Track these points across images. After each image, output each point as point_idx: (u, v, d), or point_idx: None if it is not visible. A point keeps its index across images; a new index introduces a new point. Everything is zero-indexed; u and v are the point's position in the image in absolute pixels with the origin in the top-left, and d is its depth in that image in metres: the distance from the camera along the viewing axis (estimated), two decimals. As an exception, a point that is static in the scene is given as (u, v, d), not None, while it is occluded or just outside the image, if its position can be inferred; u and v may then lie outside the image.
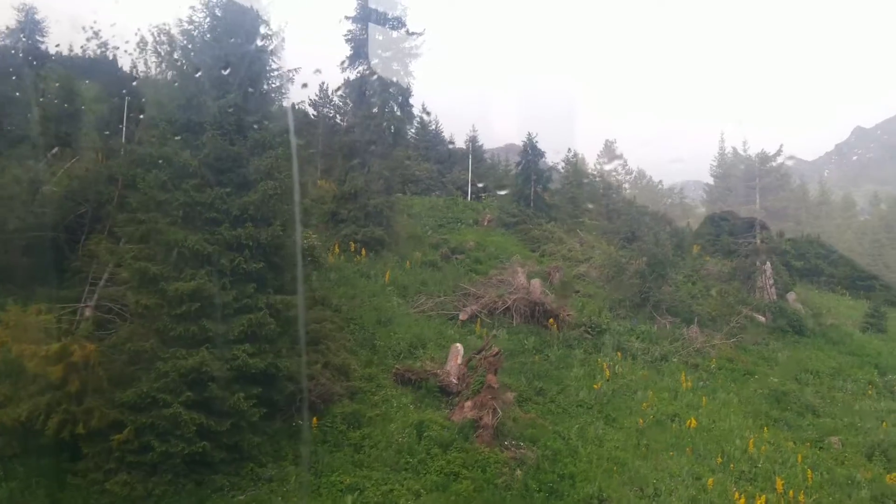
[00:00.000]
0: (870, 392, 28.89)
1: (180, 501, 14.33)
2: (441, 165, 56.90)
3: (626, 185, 71.41)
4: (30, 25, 42.75)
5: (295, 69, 20.29)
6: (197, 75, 17.25)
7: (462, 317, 26.41)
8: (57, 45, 46.09)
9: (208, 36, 17.93)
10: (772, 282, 36.73)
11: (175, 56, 18.97)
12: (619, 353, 26.21)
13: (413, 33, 33.85)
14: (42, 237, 19.94)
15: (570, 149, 61.48)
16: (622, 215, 41.15)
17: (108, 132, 26.82)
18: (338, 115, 43.32)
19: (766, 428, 22.96)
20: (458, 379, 20.37)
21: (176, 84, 18.05)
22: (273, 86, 20.76)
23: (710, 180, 62.50)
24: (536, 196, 45.14)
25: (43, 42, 43.68)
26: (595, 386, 22.74)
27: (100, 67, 41.12)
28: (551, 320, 26.82)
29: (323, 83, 48.81)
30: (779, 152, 42.28)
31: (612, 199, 52.95)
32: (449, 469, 16.62)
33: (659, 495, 17.47)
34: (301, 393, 17.59)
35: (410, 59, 33.91)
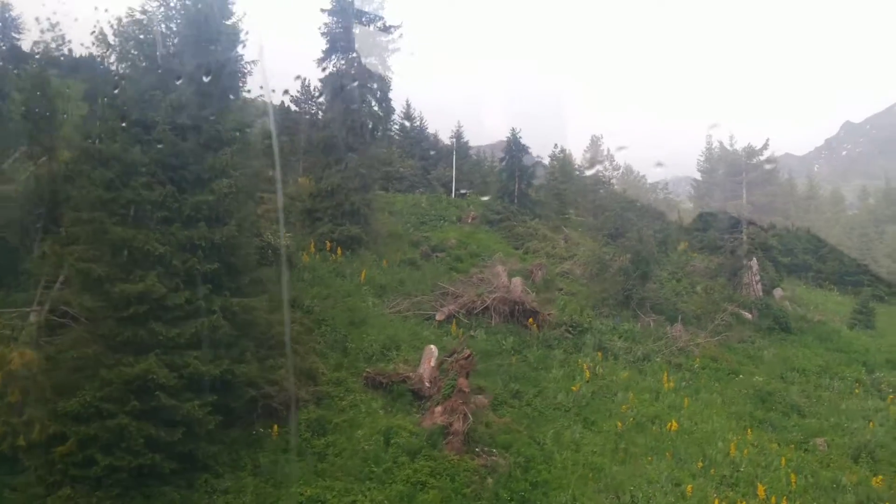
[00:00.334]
0: (857, 390, 28.33)
1: (128, 516, 13.59)
2: (425, 162, 56.09)
3: (614, 181, 70.59)
4: (5, 23, 41.68)
5: (253, 61, 19.53)
6: (149, 66, 16.42)
7: (439, 317, 25.68)
8: (35, 43, 44.98)
9: (164, 26, 17.13)
10: (758, 278, 36.14)
11: (128, 47, 18.09)
12: (599, 354, 25.50)
13: (391, 27, 33.09)
14: (-3, 239, 19.13)
15: (556, 144, 60.92)
16: (607, 211, 40.41)
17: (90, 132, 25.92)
18: (320, 112, 42.39)
19: (749, 429, 22.36)
20: (431, 382, 19.64)
21: (129, 77, 17.19)
22: (236, 79, 20.17)
23: (698, 175, 61.75)
24: (521, 193, 44.40)
25: (19, 39, 42.62)
26: (574, 388, 22.05)
27: (87, 66, 40.12)
28: (531, 320, 26.11)
29: (305, 79, 47.81)
30: (765, 146, 41.62)
31: (599, 195, 52.20)
32: (416, 478, 15.91)
33: (635, 503, 16.82)
34: (262, 399, 16.89)
35: (389, 53, 33.16)
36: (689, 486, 17.64)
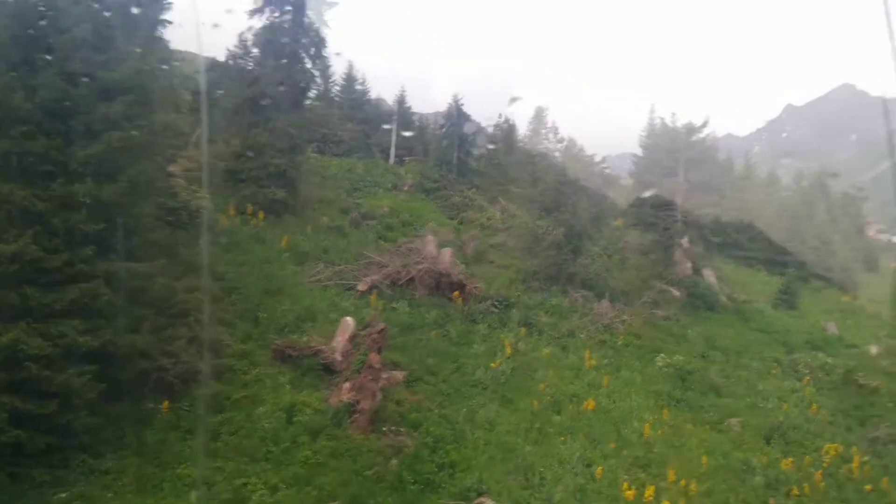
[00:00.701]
0: (774, 370, 28.70)
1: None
2: (366, 127, 54.50)
3: (557, 154, 70.34)
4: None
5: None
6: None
7: (361, 287, 24.83)
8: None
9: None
10: (687, 256, 36.27)
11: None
12: (523, 329, 25.08)
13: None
14: None
15: (500, 114, 60.02)
16: (543, 184, 39.97)
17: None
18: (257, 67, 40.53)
19: (666, 409, 22.30)
20: (344, 357, 18.82)
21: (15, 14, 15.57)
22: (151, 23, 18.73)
23: (640, 152, 61.95)
24: (460, 162, 43.61)
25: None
26: (493, 364, 21.55)
27: None
28: (456, 293, 25.49)
29: (242, 32, 45.61)
30: (704, 124, 41.82)
31: (540, 167, 51.71)
32: (315, 459, 15.18)
33: (544, 485, 16.44)
34: (156, 372, 15.86)
35: (326, 7, 31.61)
36: (600, 467, 17.34)
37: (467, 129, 47.46)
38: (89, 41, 15.31)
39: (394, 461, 15.72)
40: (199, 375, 17.13)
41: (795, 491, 18.66)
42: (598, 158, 68.69)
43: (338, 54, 54.44)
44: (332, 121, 49.74)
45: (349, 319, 20.56)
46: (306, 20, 31.20)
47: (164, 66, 24.43)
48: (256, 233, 27.15)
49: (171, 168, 29.36)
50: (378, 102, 59.35)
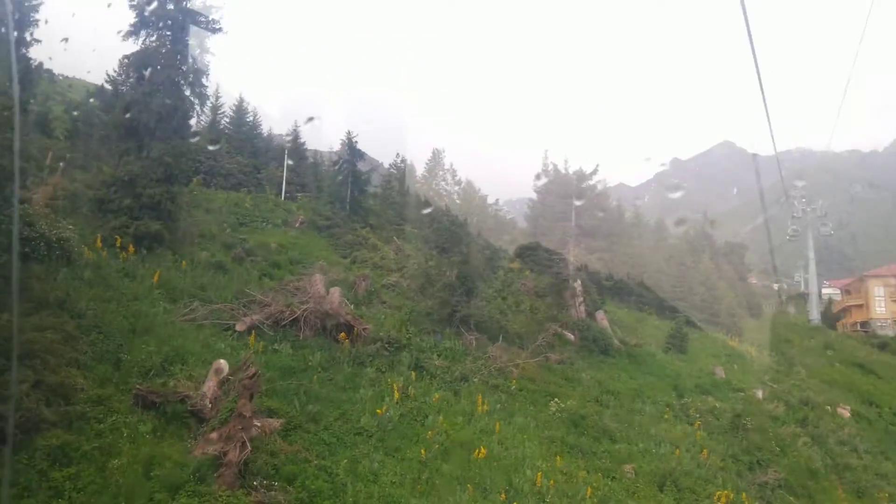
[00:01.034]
0: (667, 415, 28.63)
1: None
2: (256, 160, 52.68)
3: (456, 197, 70.40)
4: None
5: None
6: None
7: (239, 327, 23.00)
8: None
9: None
10: (581, 300, 36.30)
11: None
12: (413, 373, 23.87)
13: (211, 6, 30.05)
14: None
15: (398, 154, 59.58)
16: (436, 224, 39.37)
17: None
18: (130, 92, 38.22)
19: (559, 456, 21.47)
20: (213, 403, 17.01)
21: None
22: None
23: (535, 196, 62.88)
24: (353, 199, 42.47)
25: None
26: (379, 411, 20.15)
27: None
28: (342, 334, 24.06)
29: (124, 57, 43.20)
30: (595, 171, 42.79)
31: (436, 208, 51.32)
32: (172, 520, 13.32)
33: (431, 543, 15.13)
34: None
35: (208, 33, 30.08)
36: (489, 523, 16.20)
37: (362, 166, 46.53)
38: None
39: (263, 521, 14.02)
40: (43, 424, 14.98)
41: (689, 541, 18.09)
42: (498, 202, 69.20)
43: (240, 103, 52.41)
44: (220, 153, 47.73)
45: (222, 362, 18.71)
46: (186, 46, 29.56)
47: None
48: (125, 267, 24.88)
49: (32, 195, 26.85)
50: (270, 137, 57.69)
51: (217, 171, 46.95)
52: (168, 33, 29.21)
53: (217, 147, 46.97)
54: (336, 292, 27.60)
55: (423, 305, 30.70)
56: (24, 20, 19.90)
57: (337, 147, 52.83)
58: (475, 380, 25.46)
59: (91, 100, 46.25)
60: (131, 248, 25.81)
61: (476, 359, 27.12)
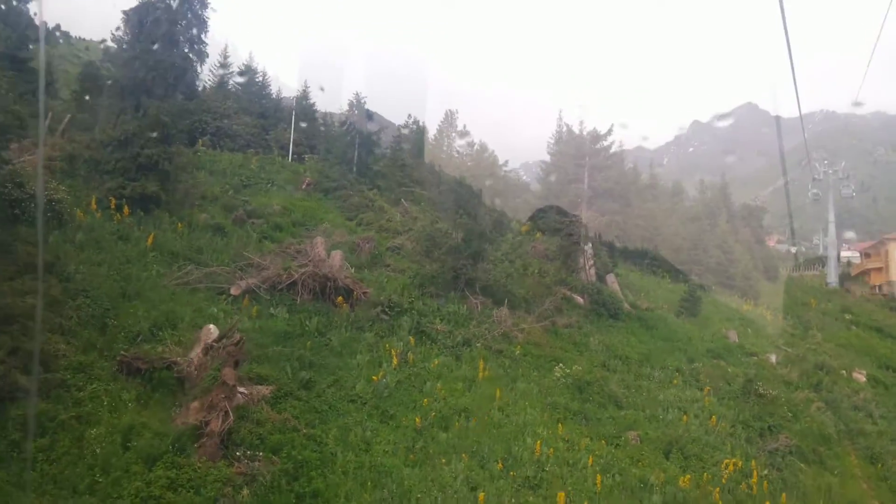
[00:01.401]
0: (676, 380, 27.90)
1: None
2: (265, 121, 51.80)
3: (468, 159, 69.24)
4: None
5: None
6: None
7: (234, 291, 22.44)
8: None
9: None
10: (591, 262, 35.42)
11: None
12: (412, 339, 23.24)
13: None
14: None
15: (410, 115, 58.41)
16: (445, 186, 38.49)
17: None
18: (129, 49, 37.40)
19: (561, 424, 20.82)
20: (199, 370, 16.51)
21: None
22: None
23: (549, 158, 61.57)
24: (361, 161, 41.56)
25: None
26: (374, 378, 19.58)
27: None
28: (340, 298, 23.45)
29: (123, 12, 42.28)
30: (609, 132, 41.30)
31: (447, 170, 50.37)
32: (148, 492, 12.79)
33: (421, 514, 14.62)
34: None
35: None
36: (482, 494, 15.61)
37: (372, 127, 45.56)
38: None
39: (245, 492, 13.52)
40: (19, 392, 14.53)
41: (693, 513, 17.49)
42: (507, 164, 67.90)
43: (249, 61, 51.36)
44: (228, 113, 46.92)
45: (211, 327, 18.24)
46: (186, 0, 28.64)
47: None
48: (120, 230, 24.36)
49: (26, 157, 26.24)
50: (279, 98, 56.71)
51: (224, 133, 46.14)
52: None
53: (224, 103, 46.10)
54: (337, 255, 26.99)
55: (428, 269, 29.96)
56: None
57: (347, 108, 51.92)
58: (478, 345, 24.79)
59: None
60: (126, 210, 25.25)
61: (480, 323, 26.41)
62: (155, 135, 26.49)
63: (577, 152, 44.18)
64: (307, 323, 22.09)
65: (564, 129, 50.59)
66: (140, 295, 20.39)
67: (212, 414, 14.36)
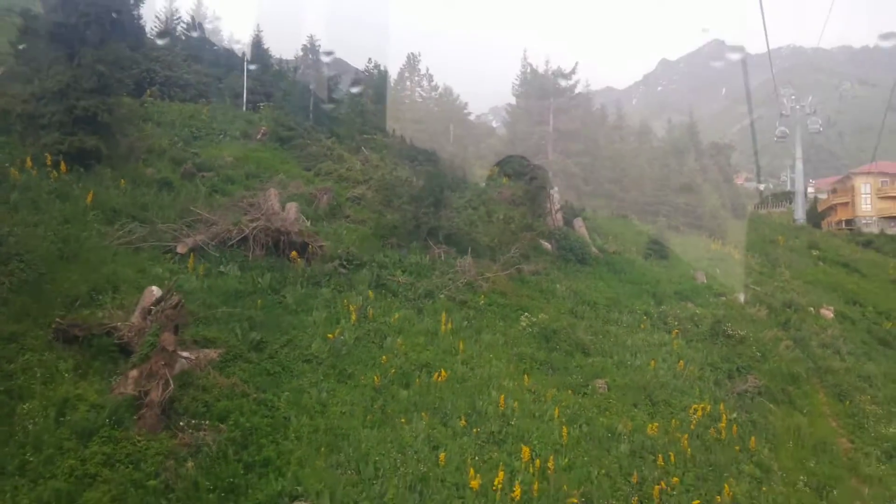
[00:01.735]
0: (644, 325, 27.51)
1: None
2: (219, 70, 49.64)
3: (433, 104, 67.48)
4: None
5: None
6: None
7: (180, 249, 21.27)
8: None
9: None
10: (558, 207, 34.64)
11: None
12: (371, 293, 22.38)
13: None
14: None
15: (370, 59, 56.46)
16: (406, 132, 37.22)
17: None
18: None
19: (527, 375, 20.30)
20: (140, 335, 15.48)
21: None
22: None
23: (514, 100, 60.11)
24: (317, 108, 39.96)
25: None
26: (330, 336, 18.73)
27: None
28: (294, 253, 22.43)
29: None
30: (574, 70, 40.00)
31: (407, 117, 48.83)
32: (83, 470, 11.91)
33: (378, 477, 13.94)
34: None
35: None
36: (445, 451, 15.03)
37: (329, 71, 43.81)
38: None
39: (189, 464, 12.70)
40: (-62, 369, 13.50)
41: (661, 462, 17.09)
42: (484, 111, 66.29)
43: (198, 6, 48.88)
44: (177, 62, 44.75)
45: (154, 289, 17.05)
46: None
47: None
48: (57, 188, 22.89)
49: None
50: (231, 43, 54.37)
51: (174, 82, 43.96)
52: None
53: (165, 42, 43.87)
54: (292, 207, 25.90)
55: (389, 218, 29.01)
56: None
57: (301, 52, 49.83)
58: (441, 296, 24.03)
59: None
60: (63, 167, 23.76)
61: (443, 273, 25.61)
62: (91, 85, 24.80)
63: (542, 93, 42.92)
64: (259, 280, 21.08)
65: (529, 69, 49.21)
66: (79, 256, 19.15)
67: (151, 383, 13.41)
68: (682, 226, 49.43)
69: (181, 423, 13.55)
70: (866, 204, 75.18)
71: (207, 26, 52.99)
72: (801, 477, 19.31)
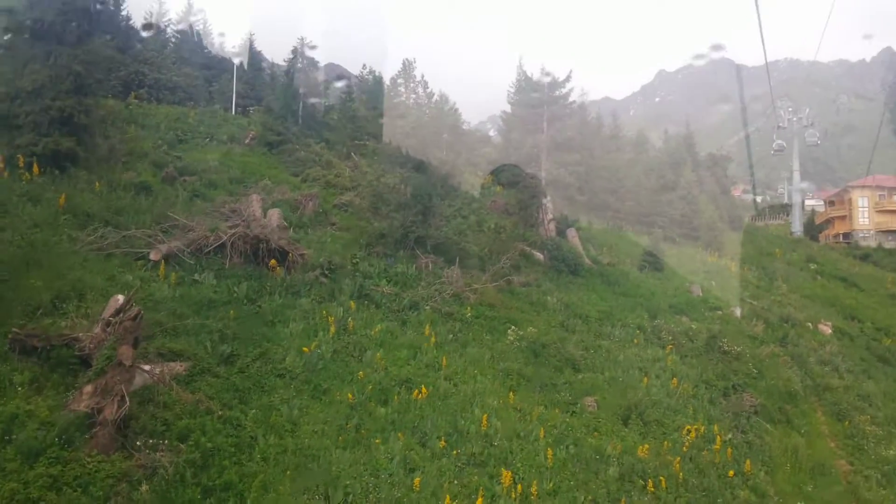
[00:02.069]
0: (637, 339, 26.64)
1: None
2: (210, 73, 48.95)
3: (427, 111, 66.74)
4: None
5: None
6: None
7: (154, 256, 20.38)
8: None
9: None
10: (550, 217, 33.83)
11: None
12: (353, 303, 21.51)
13: None
14: None
15: (365, 65, 55.80)
16: (398, 139, 36.44)
17: None
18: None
19: (513, 392, 19.42)
20: (99, 347, 14.57)
21: None
22: None
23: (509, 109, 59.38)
24: (306, 113, 39.16)
25: None
26: (305, 349, 17.85)
27: None
28: (273, 261, 21.57)
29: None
30: (568, 78, 39.29)
31: (399, 124, 48.04)
32: (26, 494, 11.00)
33: (349, 503, 13.06)
34: None
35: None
36: (421, 474, 14.15)
37: (320, 76, 43.09)
38: None
39: (143, 488, 11.82)
40: None
41: (651, 487, 16.21)
42: (482, 119, 65.58)
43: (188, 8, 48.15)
44: (166, 65, 44.01)
45: (120, 297, 16.19)
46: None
47: None
48: (30, 191, 22.06)
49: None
50: (223, 46, 53.69)
51: (163, 85, 43.30)
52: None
53: (150, 34, 43.10)
54: (275, 214, 25.09)
55: (376, 226, 28.17)
56: None
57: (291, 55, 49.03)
58: (426, 308, 23.17)
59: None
60: (36, 169, 22.91)
61: (430, 284, 24.75)
62: (67, 86, 24.00)
63: (536, 101, 42.21)
64: (235, 289, 20.22)
65: (523, 76, 48.46)
66: (45, 262, 18.28)
67: (105, 399, 12.52)
68: (678, 237, 48.62)
69: (137, 443, 12.65)
70: (864, 217, 74.44)
71: (198, 27, 52.21)
72: (799, 502, 18.45)
